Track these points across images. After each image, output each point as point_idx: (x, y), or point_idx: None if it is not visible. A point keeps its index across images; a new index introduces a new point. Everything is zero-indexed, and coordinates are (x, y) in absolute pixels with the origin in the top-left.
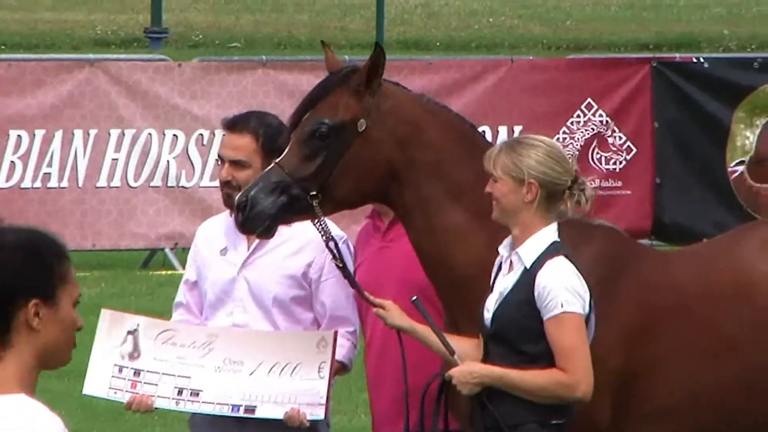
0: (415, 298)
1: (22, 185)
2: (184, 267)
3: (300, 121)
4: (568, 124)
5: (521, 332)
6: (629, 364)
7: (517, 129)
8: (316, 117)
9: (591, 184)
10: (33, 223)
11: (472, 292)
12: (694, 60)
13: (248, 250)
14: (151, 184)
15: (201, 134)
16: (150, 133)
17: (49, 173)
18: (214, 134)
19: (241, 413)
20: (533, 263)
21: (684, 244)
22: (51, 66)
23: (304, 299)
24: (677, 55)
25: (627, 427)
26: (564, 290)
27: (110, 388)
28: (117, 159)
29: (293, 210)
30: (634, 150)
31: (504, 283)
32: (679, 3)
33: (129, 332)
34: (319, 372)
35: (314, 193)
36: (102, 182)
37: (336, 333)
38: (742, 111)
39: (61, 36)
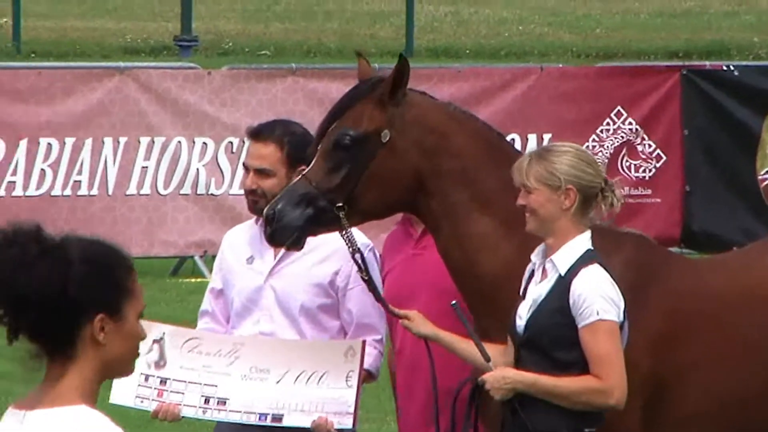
0: (454, 302)
1: (53, 193)
2: None
3: (326, 132)
4: (598, 132)
5: (555, 340)
6: (658, 371)
7: (547, 137)
8: (341, 128)
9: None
10: (63, 231)
11: (499, 299)
12: (724, 68)
13: (275, 258)
14: (181, 191)
15: (230, 142)
16: (180, 141)
17: (79, 181)
18: (243, 142)
19: (268, 422)
20: (568, 271)
21: (713, 252)
22: (81, 74)
23: (331, 307)
24: (707, 62)
25: None
26: (599, 298)
27: (137, 396)
28: (147, 167)
29: (320, 222)
30: (664, 158)
31: (537, 290)
32: (708, 11)
33: (155, 341)
34: (347, 381)
35: (340, 204)
36: (132, 190)
37: (364, 342)
38: None
39: (90, 44)
